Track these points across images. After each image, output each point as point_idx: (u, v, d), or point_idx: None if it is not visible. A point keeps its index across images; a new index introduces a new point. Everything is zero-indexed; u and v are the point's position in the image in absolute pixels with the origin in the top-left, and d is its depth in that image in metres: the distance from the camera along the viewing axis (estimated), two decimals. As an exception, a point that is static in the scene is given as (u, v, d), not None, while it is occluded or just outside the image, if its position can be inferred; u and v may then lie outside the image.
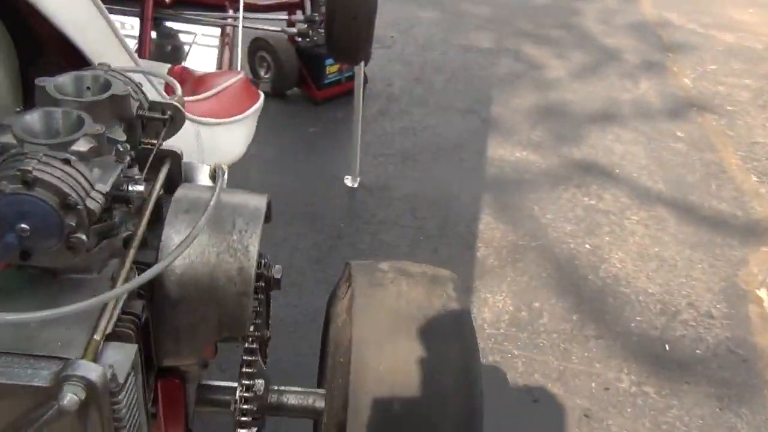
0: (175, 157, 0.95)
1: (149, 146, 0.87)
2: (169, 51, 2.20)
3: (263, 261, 0.92)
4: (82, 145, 0.70)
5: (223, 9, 2.35)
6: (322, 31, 2.38)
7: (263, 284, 0.93)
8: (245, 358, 0.94)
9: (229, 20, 2.27)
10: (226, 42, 2.19)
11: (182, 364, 0.90)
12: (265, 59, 3.33)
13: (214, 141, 1.41)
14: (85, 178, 0.69)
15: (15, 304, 0.73)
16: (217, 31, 2.25)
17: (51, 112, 0.72)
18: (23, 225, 0.66)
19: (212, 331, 0.87)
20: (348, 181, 3.01)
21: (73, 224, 0.68)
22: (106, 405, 0.66)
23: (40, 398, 0.65)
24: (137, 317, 0.75)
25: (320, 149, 3.29)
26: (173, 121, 0.89)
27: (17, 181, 0.65)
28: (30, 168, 0.65)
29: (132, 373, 0.71)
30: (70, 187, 0.67)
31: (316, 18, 2.44)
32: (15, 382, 0.64)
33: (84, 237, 0.69)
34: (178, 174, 0.97)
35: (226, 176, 1.00)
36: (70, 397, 0.62)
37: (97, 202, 0.69)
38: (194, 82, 1.63)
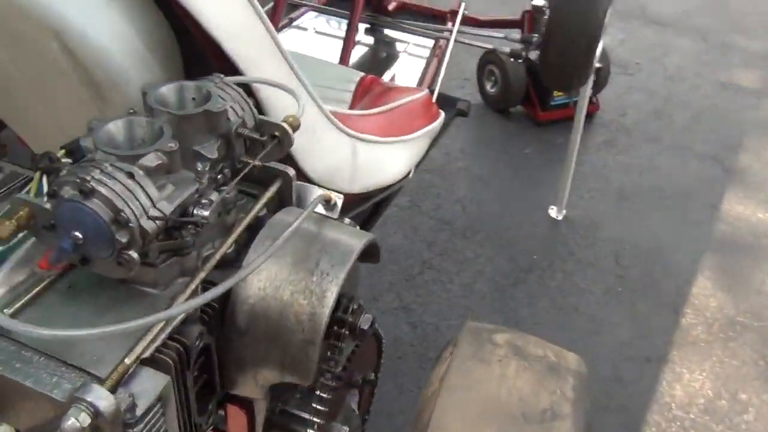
0: (285, 177, 0.90)
1: (258, 165, 0.83)
2: (381, 58, 2.21)
3: (352, 306, 0.84)
4: (150, 160, 0.67)
5: (443, 20, 2.31)
6: (538, 52, 2.23)
7: (346, 332, 0.85)
8: (315, 406, 0.87)
9: (445, 33, 2.22)
10: (437, 55, 2.14)
11: (249, 396, 0.85)
12: (494, 73, 3.23)
13: (371, 159, 1.36)
14: (147, 195, 0.66)
15: (76, 304, 0.73)
16: (431, 42, 2.21)
17: (134, 121, 0.70)
18: (77, 233, 0.65)
19: (274, 372, 0.81)
20: (552, 211, 2.81)
21: (124, 241, 0.65)
22: (116, 436, 0.62)
23: (55, 411, 0.63)
24: (184, 345, 0.71)
25: (531, 173, 3.12)
26: (281, 143, 0.84)
27: (77, 189, 0.64)
28: (89, 177, 0.64)
29: (158, 405, 0.67)
30: (125, 202, 0.64)
31: (534, 39, 2.29)
32: (36, 388, 0.64)
33: (134, 255, 0.66)
34: (288, 196, 0.92)
35: (338, 206, 0.94)
36: (72, 422, 0.59)
37: (154, 222, 0.66)
38: (378, 95, 1.60)
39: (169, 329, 0.70)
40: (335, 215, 0.94)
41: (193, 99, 0.77)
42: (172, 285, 0.75)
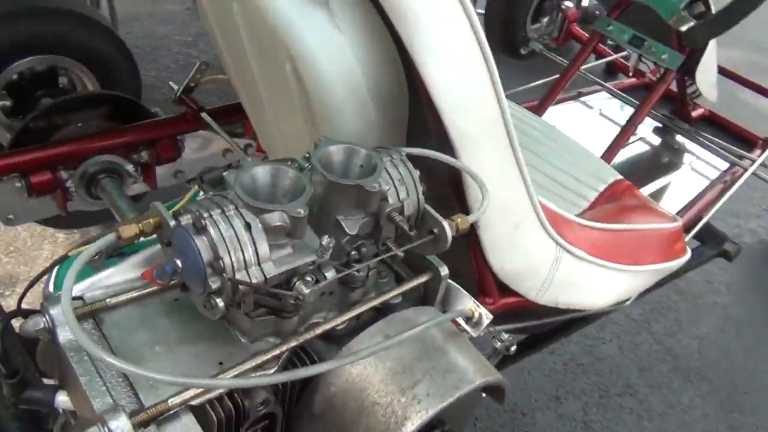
0: (436, 275, 0.81)
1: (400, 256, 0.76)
2: (654, 165, 1.97)
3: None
4: (273, 219, 0.63)
5: (750, 146, 1.98)
6: None
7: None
8: None
9: (745, 161, 1.91)
10: (724, 181, 1.85)
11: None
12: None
13: (574, 276, 1.20)
14: (255, 251, 0.63)
15: (169, 320, 0.73)
16: (724, 165, 1.92)
17: (281, 170, 0.67)
18: (179, 261, 0.64)
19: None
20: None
21: (214, 286, 0.63)
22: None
23: (90, 414, 0.63)
24: (242, 407, 0.67)
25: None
26: (436, 241, 0.76)
27: (193, 221, 0.63)
28: (206, 215, 0.62)
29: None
30: (228, 251, 0.62)
31: None
32: (85, 388, 0.64)
33: (220, 304, 0.63)
34: (434, 293, 0.83)
35: (482, 325, 0.83)
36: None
37: (249, 279, 0.63)
38: (623, 208, 1.42)
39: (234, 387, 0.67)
40: (475, 333, 0.83)
41: (361, 167, 0.73)
42: (263, 341, 0.72)
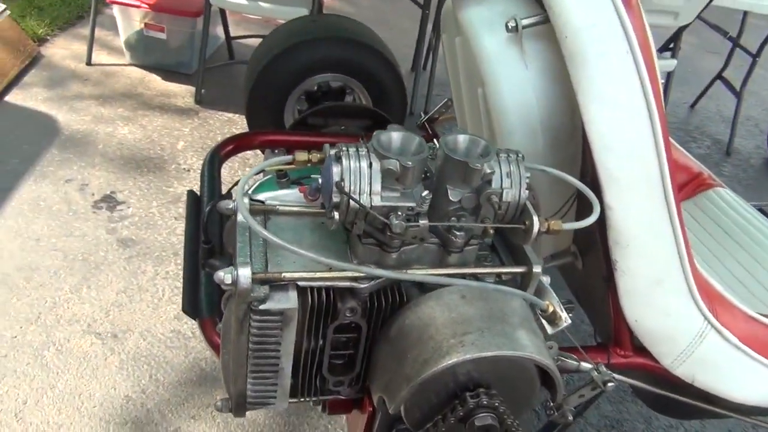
0: (529, 269, 0.94)
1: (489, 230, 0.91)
2: None
3: (479, 399, 0.86)
4: (389, 163, 0.84)
5: None
6: None
7: (451, 413, 0.88)
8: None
9: None
10: None
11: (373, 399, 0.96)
12: None
13: (720, 359, 1.17)
14: (369, 183, 0.85)
15: (317, 231, 0.97)
16: None
17: (411, 137, 0.88)
18: (320, 180, 0.88)
19: (381, 387, 0.90)
20: None
21: (335, 200, 0.85)
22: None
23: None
24: (332, 304, 0.88)
25: None
26: (524, 232, 0.89)
27: (336, 153, 0.87)
28: (342, 150, 0.86)
29: (278, 317, 0.86)
30: (351, 177, 0.84)
31: None
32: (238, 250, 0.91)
33: (336, 217, 0.86)
34: (525, 286, 0.96)
35: (559, 325, 0.93)
36: (222, 274, 0.84)
37: (357, 202, 0.84)
38: None
39: (329, 283, 0.89)
40: (551, 330, 0.94)
41: (479, 155, 0.90)
42: (367, 265, 0.92)
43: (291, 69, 1.89)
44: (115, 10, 3.26)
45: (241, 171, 2.79)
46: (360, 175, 0.84)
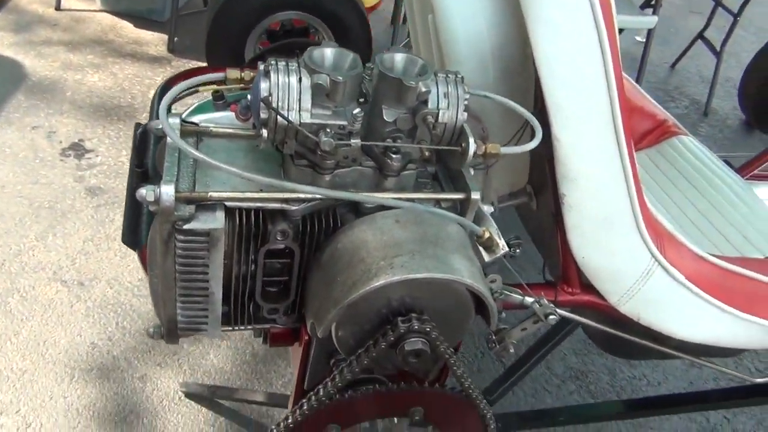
0: (468, 196, 0.92)
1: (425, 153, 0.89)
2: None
3: (409, 324, 0.85)
4: (318, 78, 0.81)
5: None
6: None
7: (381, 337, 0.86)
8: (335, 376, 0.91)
9: None
10: None
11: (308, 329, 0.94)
12: None
13: (668, 297, 1.16)
14: (298, 99, 0.82)
15: (250, 152, 0.94)
16: None
17: (344, 53, 0.85)
18: (249, 97, 0.85)
19: (312, 313, 0.89)
20: None
21: (262, 116, 0.82)
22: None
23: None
24: (262, 225, 0.86)
25: None
26: (462, 152, 0.87)
27: (265, 68, 0.84)
28: (272, 65, 0.82)
29: (204, 238, 0.84)
30: (279, 92, 0.81)
31: None
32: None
33: (264, 134, 0.83)
34: (464, 213, 0.94)
35: (497, 253, 0.91)
36: (143, 191, 0.81)
37: (287, 116, 0.81)
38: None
39: (259, 204, 0.86)
40: (487, 257, 0.92)
41: (417, 74, 0.87)
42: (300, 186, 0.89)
43: (250, 6, 1.84)
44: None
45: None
46: (289, 90, 0.81)
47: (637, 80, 3.58)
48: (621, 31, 3.58)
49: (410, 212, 0.89)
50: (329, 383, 0.92)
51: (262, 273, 0.92)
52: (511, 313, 1.09)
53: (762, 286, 1.23)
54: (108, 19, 3.58)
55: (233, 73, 0.89)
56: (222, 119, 0.97)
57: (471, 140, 0.86)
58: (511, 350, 1.08)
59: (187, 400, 1.81)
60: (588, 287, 1.21)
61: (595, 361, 2.41)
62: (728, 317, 1.19)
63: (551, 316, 1.06)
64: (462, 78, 0.88)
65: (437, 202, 0.94)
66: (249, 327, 0.98)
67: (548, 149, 1.05)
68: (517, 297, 1.09)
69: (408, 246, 0.85)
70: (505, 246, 0.91)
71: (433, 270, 0.82)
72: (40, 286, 2.01)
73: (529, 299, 1.06)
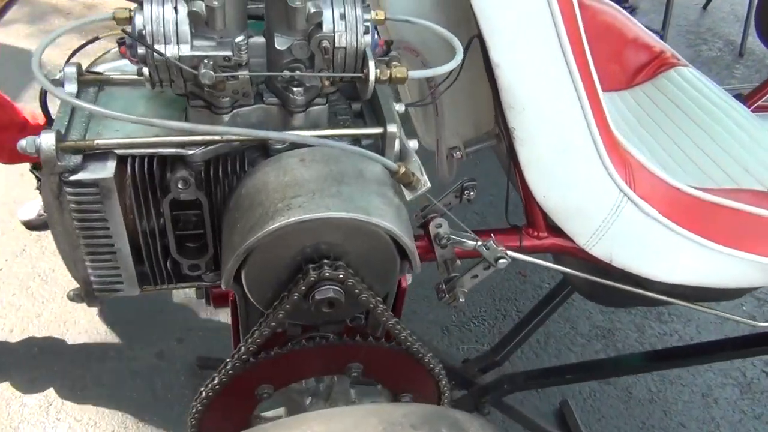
0: (384, 130, 0.84)
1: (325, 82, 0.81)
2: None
3: (320, 272, 0.78)
4: (195, 6, 0.74)
5: None
6: None
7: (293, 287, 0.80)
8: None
9: None
10: None
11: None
12: None
13: (641, 235, 1.05)
14: (176, 31, 0.75)
15: (145, 103, 0.88)
16: None
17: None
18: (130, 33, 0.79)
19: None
20: None
21: (140, 52, 0.76)
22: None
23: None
24: (159, 172, 0.80)
25: None
26: (361, 82, 0.79)
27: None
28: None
29: (95, 189, 0.79)
30: (152, 24, 0.75)
31: None
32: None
33: (146, 71, 0.77)
34: (382, 148, 0.86)
35: (418, 190, 0.83)
36: (24, 142, 0.76)
37: (165, 52, 0.75)
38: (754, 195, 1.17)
39: (152, 150, 0.81)
40: (408, 195, 0.84)
41: (311, -1, 0.79)
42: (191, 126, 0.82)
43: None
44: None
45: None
46: (164, 21, 0.75)
47: (664, 22, 3.37)
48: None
49: (317, 151, 0.81)
50: (248, 339, 0.86)
51: (172, 226, 0.86)
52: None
53: (751, 218, 1.11)
54: (121, 4, 3.59)
55: (121, 12, 0.83)
56: (127, 67, 0.91)
57: (372, 64, 0.77)
58: (461, 299, 1.00)
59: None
60: (555, 230, 1.12)
61: (622, 318, 2.30)
62: (709, 253, 1.08)
63: (501, 260, 0.97)
64: None
65: (358, 140, 0.86)
66: (172, 286, 0.93)
67: (492, 78, 0.97)
68: (468, 243, 1.01)
69: (309, 185, 0.78)
70: (427, 182, 0.83)
71: (333, 209, 0.75)
72: (59, 269, 2.01)
73: (474, 243, 0.97)
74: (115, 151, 0.80)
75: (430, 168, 0.94)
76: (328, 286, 0.79)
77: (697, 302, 1.25)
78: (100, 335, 1.87)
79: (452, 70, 0.83)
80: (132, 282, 0.89)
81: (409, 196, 0.84)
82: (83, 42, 0.92)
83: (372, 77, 0.77)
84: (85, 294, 0.90)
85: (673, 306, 2.47)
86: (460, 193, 1.15)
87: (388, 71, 0.79)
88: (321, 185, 0.78)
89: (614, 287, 1.16)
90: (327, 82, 0.79)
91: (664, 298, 1.19)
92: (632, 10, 4.03)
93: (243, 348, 0.87)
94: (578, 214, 1.07)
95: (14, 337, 1.88)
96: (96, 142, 0.79)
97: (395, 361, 0.94)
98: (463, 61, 0.96)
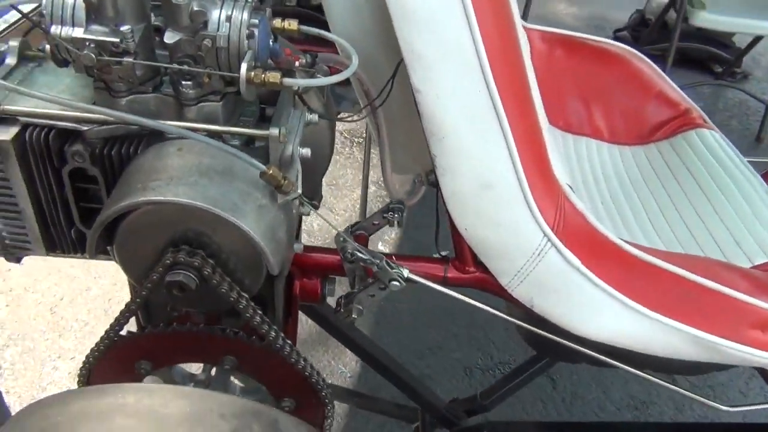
0: (270, 135, 0.86)
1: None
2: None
3: (178, 256, 0.82)
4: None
5: None
6: None
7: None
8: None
9: None
10: None
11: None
12: None
13: (559, 283, 1.00)
14: (72, 16, 0.82)
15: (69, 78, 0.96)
16: None
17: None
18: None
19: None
20: None
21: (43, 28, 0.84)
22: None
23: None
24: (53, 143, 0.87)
25: None
26: (239, 80, 0.82)
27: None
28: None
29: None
30: (51, 7, 0.82)
31: None
32: None
33: (46, 47, 0.84)
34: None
35: (287, 195, 0.85)
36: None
37: (60, 33, 0.82)
38: (727, 269, 1.06)
39: (51, 121, 0.88)
40: (279, 199, 0.86)
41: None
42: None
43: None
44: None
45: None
46: (63, 5, 0.82)
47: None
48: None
49: (196, 144, 0.85)
50: (120, 313, 0.90)
51: (73, 196, 0.93)
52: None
53: (695, 288, 1.03)
54: None
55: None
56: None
57: (244, 66, 0.81)
58: (354, 315, 1.00)
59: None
60: (482, 265, 1.09)
61: (661, 392, 2.16)
62: (633, 314, 1.01)
63: (393, 282, 0.96)
64: (251, 3, 0.83)
65: (249, 141, 0.90)
66: (78, 255, 0.99)
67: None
68: (371, 261, 1.00)
69: (171, 172, 0.81)
70: (299, 188, 0.85)
71: (181, 196, 0.78)
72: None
73: (372, 260, 0.97)
74: (18, 117, 0.87)
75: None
76: (179, 270, 0.82)
77: (656, 372, 1.17)
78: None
79: (343, 77, 0.84)
80: (39, 244, 0.96)
81: (280, 199, 0.86)
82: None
83: (243, 77, 0.80)
84: (2, 249, 0.98)
85: (720, 388, 2.29)
86: (384, 215, 1.15)
87: (262, 75, 0.81)
88: (182, 173, 0.81)
89: (543, 336, 1.11)
90: (206, 79, 0.83)
91: (608, 360, 1.12)
92: (744, 77, 3.83)
93: (115, 320, 0.91)
94: (502, 252, 1.04)
95: (63, 305, 2.02)
96: (3, 107, 0.87)
97: (270, 362, 0.95)
98: (391, 81, 0.97)
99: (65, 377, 1.81)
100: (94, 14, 0.82)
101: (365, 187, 2.38)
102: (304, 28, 0.92)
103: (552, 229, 1.01)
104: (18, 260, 1.02)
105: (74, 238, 0.98)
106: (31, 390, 1.77)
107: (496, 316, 1.12)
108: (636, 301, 1.00)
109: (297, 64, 0.95)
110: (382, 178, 1.23)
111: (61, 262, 2.11)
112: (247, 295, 0.88)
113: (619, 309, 1.01)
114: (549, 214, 1.01)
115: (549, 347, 1.23)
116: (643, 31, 3.91)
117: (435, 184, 1.05)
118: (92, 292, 2.08)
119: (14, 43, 0.96)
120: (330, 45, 1.03)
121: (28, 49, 0.99)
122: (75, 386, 1.69)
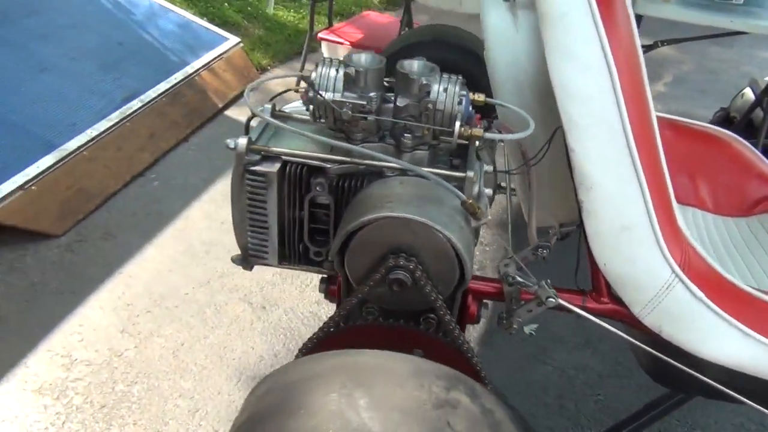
0: (466, 178, 1.15)
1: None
2: None
3: (398, 260, 1.10)
4: (350, 70, 1.14)
5: None
6: None
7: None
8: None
9: None
10: None
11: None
12: None
13: (691, 313, 1.20)
14: (334, 84, 1.15)
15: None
16: None
17: (373, 56, 1.16)
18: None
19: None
20: None
21: (309, 95, 1.17)
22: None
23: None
24: (302, 177, 1.19)
25: None
26: (452, 134, 1.12)
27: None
28: (323, 61, 1.17)
29: (263, 179, 1.18)
30: (319, 78, 1.15)
31: None
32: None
33: (311, 108, 1.17)
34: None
35: (480, 220, 1.12)
36: (231, 139, 1.19)
37: (323, 96, 1.15)
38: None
39: (304, 160, 1.19)
40: (474, 223, 1.13)
41: (424, 75, 1.15)
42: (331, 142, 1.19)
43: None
44: (323, 46, 3.86)
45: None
46: (328, 77, 1.15)
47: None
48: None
49: (413, 179, 1.15)
50: (340, 306, 1.18)
51: (308, 218, 1.23)
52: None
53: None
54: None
55: (306, 72, 1.24)
56: (303, 109, 1.33)
57: (457, 124, 1.11)
58: (515, 327, 1.24)
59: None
60: (615, 297, 1.31)
61: (723, 415, 2.18)
62: (753, 342, 1.21)
63: (550, 299, 1.20)
64: (465, 82, 1.14)
65: (446, 180, 1.18)
66: (302, 267, 1.28)
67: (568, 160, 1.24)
68: (529, 283, 1.25)
69: (401, 197, 1.10)
70: (488, 215, 1.12)
71: (411, 213, 1.07)
72: (231, 303, 2.40)
73: (532, 282, 1.22)
74: (282, 156, 1.19)
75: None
76: (400, 271, 1.09)
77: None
78: (250, 365, 2.18)
79: (524, 139, 1.13)
80: (274, 255, 1.26)
81: (474, 223, 1.13)
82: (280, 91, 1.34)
83: (456, 132, 1.10)
84: (243, 259, 1.29)
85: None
86: (535, 251, 1.40)
87: (469, 131, 1.11)
88: (408, 199, 1.10)
89: (667, 362, 1.31)
90: (427, 132, 1.13)
91: (719, 386, 1.31)
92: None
93: (336, 313, 1.19)
94: (635, 285, 1.27)
95: (183, 350, 2.22)
96: (271, 148, 1.19)
97: (448, 356, 1.19)
98: (548, 144, 1.25)
99: (185, 414, 1.96)
100: (348, 84, 1.15)
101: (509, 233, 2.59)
102: (489, 100, 1.23)
103: (679, 267, 1.23)
104: (251, 268, 1.32)
105: (300, 252, 1.28)
106: (155, 423, 1.93)
107: (625, 339, 1.33)
108: (753, 329, 1.21)
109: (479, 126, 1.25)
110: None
111: (182, 313, 2.33)
112: (442, 298, 1.14)
113: (737, 335, 1.21)
114: (676, 254, 1.24)
115: (665, 374, 1.42)
116: (728, 129, 4.09)
117: (578, 227, 1.30)
118: (209, 341, 2.30)
119: (268, 106, 1.30)
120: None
121: (274, 111, 1.32)
122: (194, 424, 1.87)
